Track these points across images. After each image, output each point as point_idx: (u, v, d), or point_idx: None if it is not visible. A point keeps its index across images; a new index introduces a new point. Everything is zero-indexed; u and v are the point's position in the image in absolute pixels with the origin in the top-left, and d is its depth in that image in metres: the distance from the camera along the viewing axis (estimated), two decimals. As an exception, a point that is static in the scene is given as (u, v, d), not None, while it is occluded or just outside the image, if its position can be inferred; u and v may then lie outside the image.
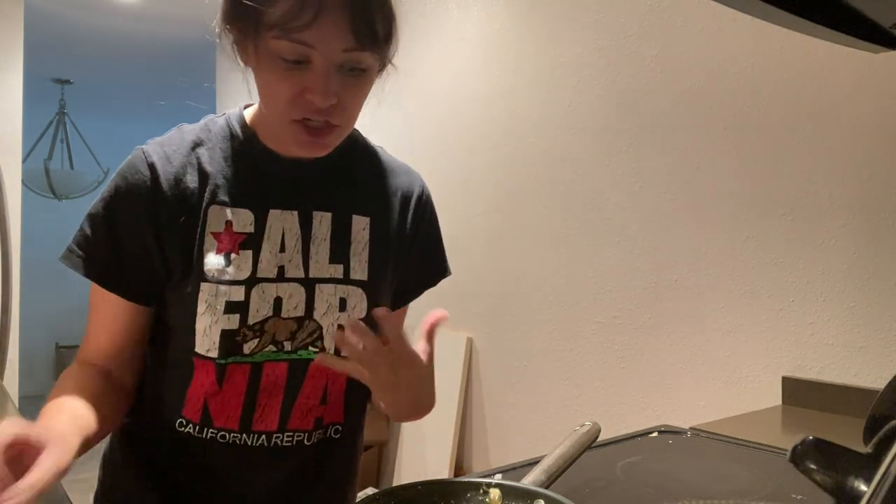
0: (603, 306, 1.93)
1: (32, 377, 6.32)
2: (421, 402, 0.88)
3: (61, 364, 6.74)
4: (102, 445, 0.90)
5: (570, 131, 2.04)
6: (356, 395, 0.91)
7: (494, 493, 0.71)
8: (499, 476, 0.82)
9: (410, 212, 0.94)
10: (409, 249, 0.94)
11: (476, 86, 2.39)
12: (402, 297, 0.96)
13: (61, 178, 5.47)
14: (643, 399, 1.80)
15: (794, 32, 0.97)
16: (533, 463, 0.82)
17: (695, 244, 1.70)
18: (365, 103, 0.82)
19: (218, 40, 0.82)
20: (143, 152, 0.84)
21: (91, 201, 0.84)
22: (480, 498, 0.71)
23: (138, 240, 0.81)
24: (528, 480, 0.75)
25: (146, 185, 0.81)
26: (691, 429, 1.22)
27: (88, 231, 0.82)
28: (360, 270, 0.87)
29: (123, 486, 0.91)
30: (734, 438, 1.16)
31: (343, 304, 0.86)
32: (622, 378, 1.86)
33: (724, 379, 1.62)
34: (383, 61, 0.80)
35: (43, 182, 5.36)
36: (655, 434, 1.16)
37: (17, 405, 1.50)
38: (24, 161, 3.57)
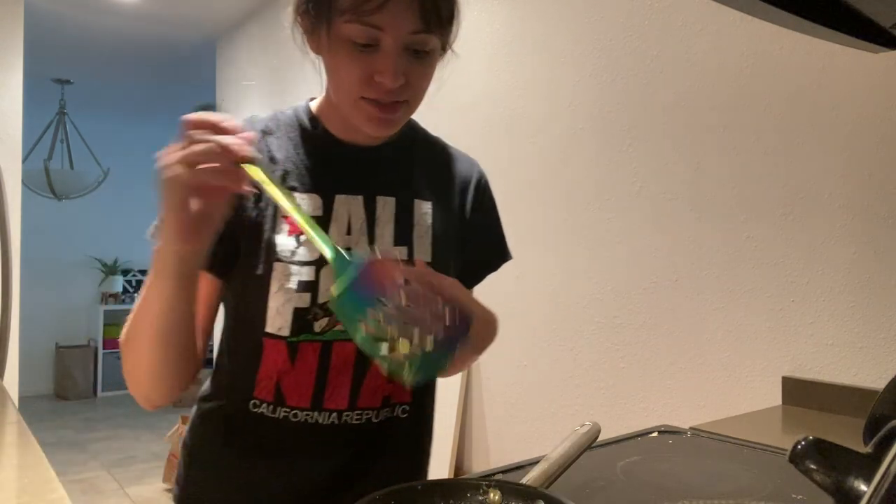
0: (603, 306, 1.93)
1: (32, 377, 6.33)
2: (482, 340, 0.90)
3: (61, 364, 6.73)
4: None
5: (570, 131, 2.04)
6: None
7: (494, 494, 0.71)
8: (499, 476, 0.82)
9: (470, 197, 0.99)
10: (469, 233, 0.98)
11: (476, 86, 2.39)
12: (466, 281, 1.00)
13: (61, 178, 5.46)
14: (643, 399, 1.80)
15: (794, 32, 0.97)
16: (533, 463, 0.82)
17: (695, 244, 1.70)
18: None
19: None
20: None
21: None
22: (480, 498, 0.71)
23: None
24: (528, 480, 0.75)
25: None
26: (691, 429, 1.22)
27: None
28: (423, 252, 0.91)
29: (201, 470, 0.94)
30: (734, 438, 1.16)
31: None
32: (622, 378, 1.86)
33: (724, 379, 1.62)
34: (445, 44, 0.85)
35: (43, 182, 5.36)
36: (655, 434, 1.16)
37: (17, 405, 1.50)
38: (24, 161, 3.57)
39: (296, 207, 0.69)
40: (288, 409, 0.87)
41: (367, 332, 0.64)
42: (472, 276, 1.02)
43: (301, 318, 0.84)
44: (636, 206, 1.85)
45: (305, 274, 0.84)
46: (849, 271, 1.41)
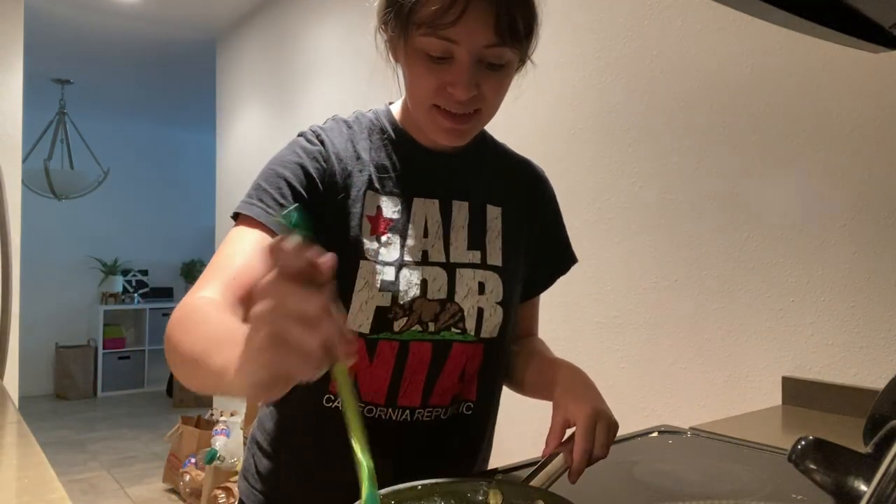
0: (603, 306, 1.93)
1: (32, 377, 6.34)
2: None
3: (61, 364, 6.74)
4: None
5: (570, 131, 2.04)
6: (489, 377, 0.95)
7: (494, 494, 0.71)
8: (499, 476, 0.82)
9: (537, 203, 1.03)
10: (537, 240, 1.01)
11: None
12: (536, 286, 1.04)
13: (61, 178, 5.47)
14: (643, 399, 1.80)
15: (794, 32, 0.97)
16: (533, 463, 0.82)
17: (695, 244, 1.70)
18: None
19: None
20: (310, 131, 0.91)
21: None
22: (480, 498, 0.71)
23: (309, 194, 0.85)
24: (529, 480, 0.75)
25: (321, 152, 0.88)
26: (691, 429, 1.22)
27: (263, 183, 0.86)
28: (495, 256, 0.93)
29: (273, 467, 0.95)
30: (734, 438, 1.16)
31: (482, 288, 0.91)
32: (622, 378, 1.86)
33: (724, 379, 1.62)
34: (523, 57, 0.86)
35: (43, 182, 5.36)
36: (655, 434, 1.16)
37: (17, 405, 1.50)
38: (24, 161, 3.57)
39: (358, 424, 0.60)
40: (363, 405, 0.88)
41: None
42: (545, 281, 1.05)
43: (382, 317, 0.85)
44: (636, 206, 1.85)
45: (388, 273, 0.86)
46: (849, 271, 1.41)
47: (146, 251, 7.39)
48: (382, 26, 0.85)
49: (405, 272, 0.86)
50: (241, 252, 0.81)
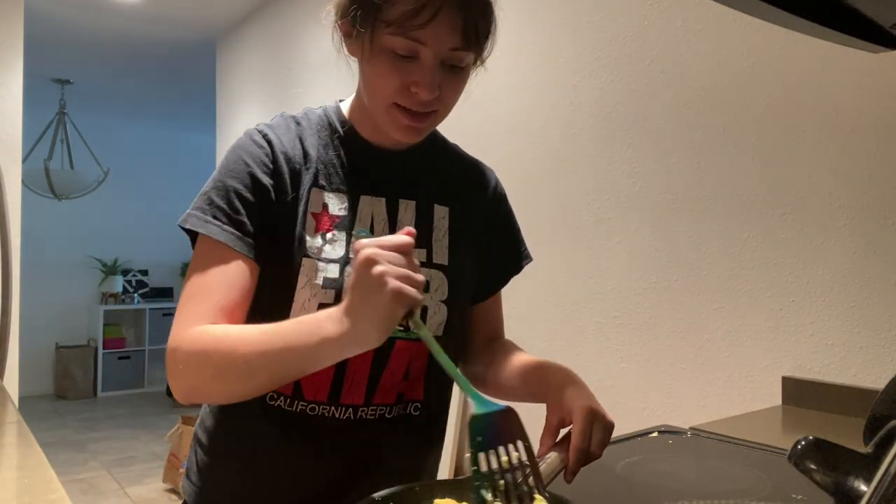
0: (603, 306, 1.93)
1: (32, 377, 6.34)
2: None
3: (61, 364, 6.74)
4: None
5: (570, 131, 2.04)
6: (436, 376, 0.94)
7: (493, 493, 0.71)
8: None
9: (487, 204, 1.04)
10: (489, 240, 1.02)
11: (475, 86, 2.39)
12: (491, 285, 1.04)
13: (61, 178, 5.47)
14: (643, 399, 1.80)
15: (794, 32, 0.97)
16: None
17: (695, 244, 1.70)
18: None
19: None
20: (256, 131, 0.91)
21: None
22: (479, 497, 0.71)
23: (259, 202, 0.85)
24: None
25: (268, 154, 0.88)
26: (691, 429, 1.22)
27: (215, 197, 0.85)
28: (441, 255, 0.93)
29: (213, 463, 0.95)
30: (734, 438, 1.16)
31: (426, 286, 0.90)
32: (622, 378, 1.86)
33: (724, 379, 1.62)
34: (478, 59, 0.88)
35: (43, 182, 5.36)
36: (655, 434, 1.16)
37: (16, 405, 1.50)
38: (24, 161, 3.57)
39: (439, 349, 0.72)
40: (305, 403, 0.88)
41: (482, 468, 0.67)
42: (498, 280, 1.05)
43: None
44: (636, 206, 1.85)
45: (331, 271, 0.86)
46: (849, 271, 1.41)
47: (146, 251, 7.38)
48: (342, 21, 0.85)
49: (350, 269, 0.85)
50: (218, 283, 0.83)
